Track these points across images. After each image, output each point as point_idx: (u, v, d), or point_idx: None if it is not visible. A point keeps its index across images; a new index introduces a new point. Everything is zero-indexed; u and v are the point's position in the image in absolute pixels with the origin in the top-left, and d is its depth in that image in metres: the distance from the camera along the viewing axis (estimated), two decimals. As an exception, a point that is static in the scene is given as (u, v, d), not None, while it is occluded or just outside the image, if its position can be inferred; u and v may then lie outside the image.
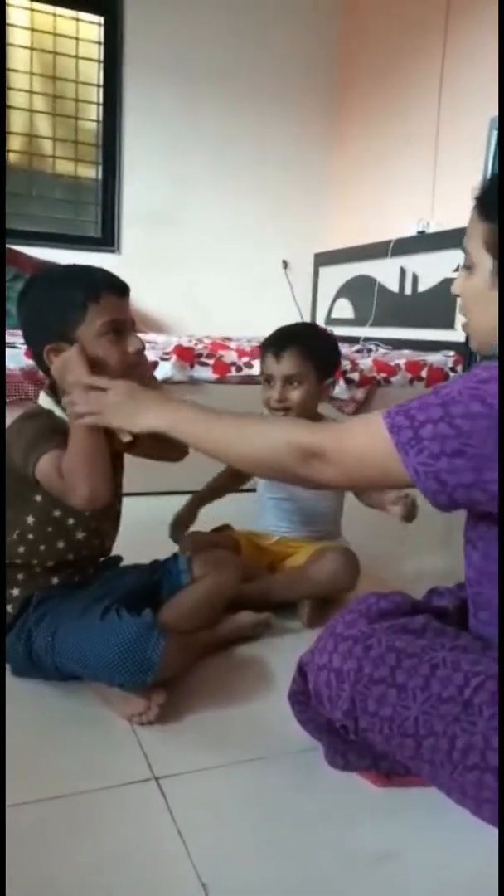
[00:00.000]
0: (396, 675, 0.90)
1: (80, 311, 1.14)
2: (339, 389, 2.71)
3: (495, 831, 0.88)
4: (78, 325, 1.15)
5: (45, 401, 1.22)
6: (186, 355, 2.60)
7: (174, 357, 2.56)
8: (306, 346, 1.57)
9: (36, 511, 1.20)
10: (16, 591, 1.21)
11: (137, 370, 1.19)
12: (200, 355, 2.62)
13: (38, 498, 1.19)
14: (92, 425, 1.09)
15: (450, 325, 3.09)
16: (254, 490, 1.74)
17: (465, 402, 0.84)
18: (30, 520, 1.20)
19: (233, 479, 1.72)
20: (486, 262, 0.94)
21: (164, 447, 1.25)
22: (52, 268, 1.29)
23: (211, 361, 2.62)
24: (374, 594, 1.05)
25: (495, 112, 2.40)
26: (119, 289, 1.19)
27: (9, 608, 1.20)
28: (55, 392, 1.21)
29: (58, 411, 1.19)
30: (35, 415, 1.20)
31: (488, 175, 2.39)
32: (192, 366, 2.60)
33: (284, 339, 1.59)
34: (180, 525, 1.65)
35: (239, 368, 2.64)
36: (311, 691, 0.98)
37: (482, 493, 0.85)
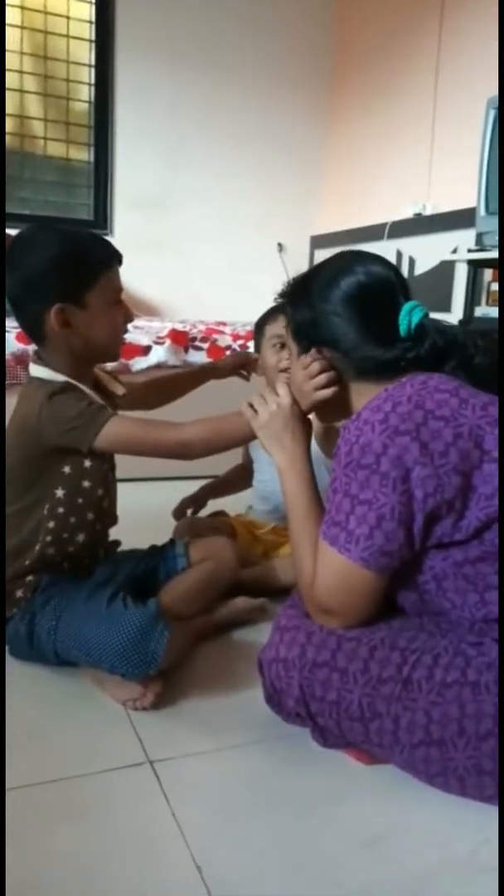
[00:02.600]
0: (338, 659, 0.93)
1: (93, 275, 1.16)
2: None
3: (488, 806, 0.88)
4: (89, 289, 1.16)
5: (38, 371, 1.20)
6: (181, 339, 2.58)
7: (168, 341, 2.54)
8: None
9: (65, 482, 1.19)
10: (30, 578, 1.20)
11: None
12: (195, 339, 2.60)
13: (67, 469, 1.19)
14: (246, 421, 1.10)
15: (447, 308, 3.06)
16: None
17: (354, 479, 0.89)
18: (59, 492, 1.19)
19: (243, 475, 1.77)
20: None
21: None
22: (49, 227, 1.20)
23: (205, 345, 2.60)
24: None
25: (493, 93, 2.36)
26: (119, 259, 1.22)
27: (18, 592, 1.20)
28: (42, 359, 1.20)
29: (58, 377, 1.18)
30: (62, 390, 1.16)
31: (486, 157, 2.36)
32: (186, 350, 2.58)
33: None
34: (186, 506, 1.66)
35: (234, 352, 2.62)
36: (269, 687, 1.00)
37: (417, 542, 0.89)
